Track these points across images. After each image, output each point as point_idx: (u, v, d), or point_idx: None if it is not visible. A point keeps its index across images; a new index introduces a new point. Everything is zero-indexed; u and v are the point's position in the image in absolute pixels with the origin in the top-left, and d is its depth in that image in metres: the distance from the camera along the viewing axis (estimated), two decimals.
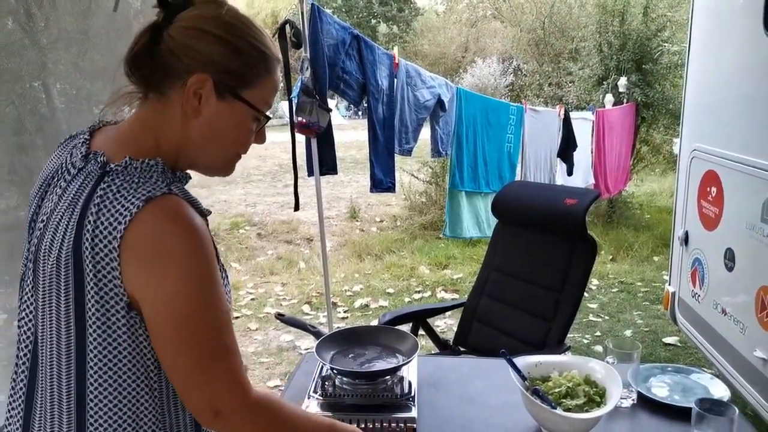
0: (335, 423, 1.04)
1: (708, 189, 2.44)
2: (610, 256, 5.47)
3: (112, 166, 0.86)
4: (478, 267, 3.83)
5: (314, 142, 3.03)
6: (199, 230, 0.84)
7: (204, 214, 0.90)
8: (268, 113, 0.96)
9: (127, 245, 0.81)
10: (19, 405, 0.92)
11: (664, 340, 3.66)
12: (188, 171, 0.98)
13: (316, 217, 3.08)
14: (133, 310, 0.83)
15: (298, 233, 6.65)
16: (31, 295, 0.90)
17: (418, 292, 4.73)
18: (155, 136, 0.91)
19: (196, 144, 0.92)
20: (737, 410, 1.11)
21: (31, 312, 0.90)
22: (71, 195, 0.87)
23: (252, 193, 8.87)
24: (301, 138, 3.02)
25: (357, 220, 7.27)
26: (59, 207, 0.88)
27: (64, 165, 0.92)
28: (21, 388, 0.92)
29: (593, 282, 4.73)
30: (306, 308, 4.42)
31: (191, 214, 0.85)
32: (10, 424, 0.93)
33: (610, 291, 4.62)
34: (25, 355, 0.91)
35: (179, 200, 0.85)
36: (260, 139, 0.99)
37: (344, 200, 7.96)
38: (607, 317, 4.11)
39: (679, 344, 3.59)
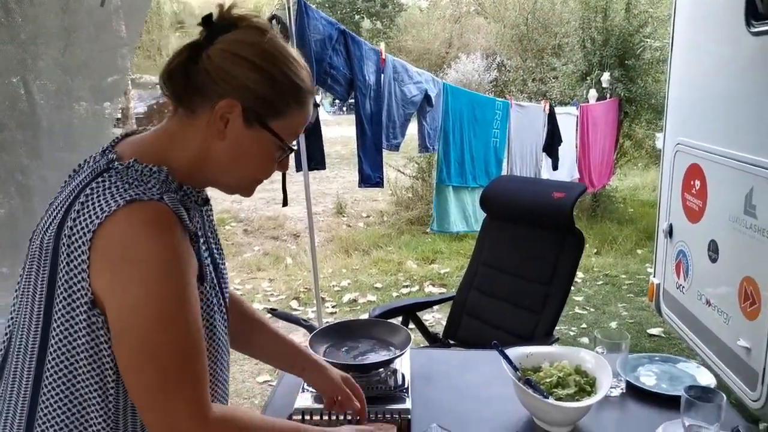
0: (300, 428, 1.01)
1: (692, 182, 2.48)
2: (595, 250, 5.54)
3: (116, 164, 0.87)
4: (465, 261, 3.82)
5: (302, 137, 3.03)
6: (176, 242, 0.82)
7: (190, 231, 0.88)
8: (293, 144, 0.96)
9: (97, 242, 0.80)
10: None
11: (648, 331, 3.72)
12: (206, 189, 0.98)
13: (303, 213, 3.09)
14: (97, 308, 0.82)
15: (284, 229, 6.63)
16: (20, 280, 0.90)
17: (406, 286, 4.75)
18: (174, 148, 0.91)
19: (217, 165, 0.92)
20: (725, 397, 1.14)
21: (18, 297, 0.90)
22: (73, 185, 0.88)
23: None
24: None
25: (343, 216, 7.26)
26: (62, 196, 0.89)
27: (87, 158, 0.93)
28: None
29: (578, 275, 4.79)
30: (294, 304, 4.41)
31: (172, 225, 0.83)
32: None
33: (595, 284, 4.69)
34: (5, 337, 0.91)
35: (165, 209, 0.83)
36: (282, 167, 0.98)
37: (330, 196, 7.95)
38: (592, 309, 4.16)
39: (663, 335, 3.65)
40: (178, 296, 0.82)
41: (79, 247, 0.81)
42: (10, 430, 0.87)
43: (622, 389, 1.52)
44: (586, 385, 1.38)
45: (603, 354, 1.50)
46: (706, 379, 1.52)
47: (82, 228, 0.81)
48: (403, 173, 7.11)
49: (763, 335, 1.88)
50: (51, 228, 0.84)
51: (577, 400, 1.34)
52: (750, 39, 2.10)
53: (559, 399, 1.34)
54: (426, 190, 6.87)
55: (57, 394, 0.84)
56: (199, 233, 0.95)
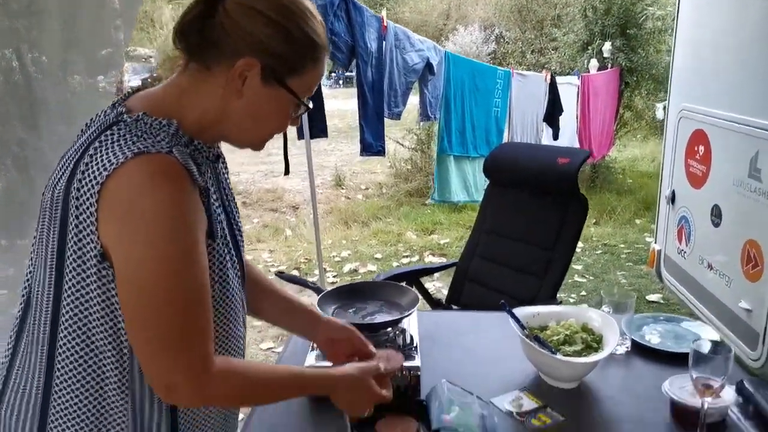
0: (303, 372, 1.01)
1: (696, 148, 2.48)
2: (594, 220, 5.56)
3: (125, 117, 0.86)
4: (464, 232, 3.81)
5: None
6: (184, 196, 0.81)
7: (200, 185, 0.86)
8: (308, 101, 0.95)
9: (105, 195, 0.79)
10: (9, 345, 0.92)
11: (647, 297, 3.77)
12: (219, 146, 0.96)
13: (301, 185, 3.09)
14: (106, 261, 0.81)
15: (283, 201, 6.63)
16: (35, 235, 0.90)
17: (406, 256, 4.77)
18: (185, 103, 0.89)
19: (233, 122, 0.91)
20: (732, 349, 1.15)
21: (33, 253, 0.90)
22: (83, 140, 0.87)
23: (234, 161, 8.72)
24: None
25: (342, 188, 7.25)
26: (72, 150, 0.88)
27: (98, 113, 0.92)
28: (14, 327, 0.92)
29: (578, 244, 4.81)
30: (295, 274, 4.43)
31: (181, 178, 0.82)
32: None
33: (594, 253, 4.72)
34: (24, 291, 0.91)
35: (173, 162, 0.81)
36: (295, 122, 0.98)
37: (329, 168, 7.93)
38: (591, 277, 4.20)
39: (662, 301, 3.70)
40: (184, 252, 0.81)
41: (88, 199, 0.80)
42: (32, 386, 0.87)
43: (627, 347, 1.55)
44: (593, 342, 1.40)
45: (609, 313, 1.52)
46: (711, 335, 1.54)
47: (90, 181, 0.80)
48: (402, 145, 7.07)
49: (764, 296, 1.90)
50: (61, 182, 0.84)
51: (584, 356, 1.36)
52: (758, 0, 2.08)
53: (567, 356, 1.36)
54: (425, 161, 6.85)
55: (73, 347, 0.85)
56: (211, 189, 0.93)
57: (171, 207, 0.80)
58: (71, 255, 0.83)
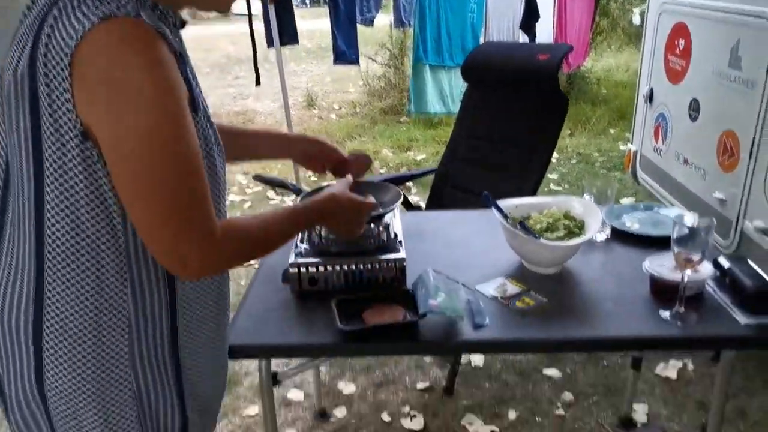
0: (292, 210, 1.02)
1: (676, 42, 2.44)
2: (568, 131, 5.55)
3: None
4: (440, 147, 3.77)
5: (272, 10, 2.84)
6: (162, 59, 0.75)
7: (176, 50, 0.80)
8: None
9: (77, 66, 0.73)
10: None
11: (621, 201, 3.84)
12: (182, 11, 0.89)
13: (271, 106, 3.00)
14: (89, 141, 0.76)
15: (254, 124, 6.45)
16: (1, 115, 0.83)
17: (382, 173, 4.74)
18: None
19: None
20: (714, 220, 1.17)
21: (2, 134, 0.83)
22: (35, 12, 0.79)
23: (201, 84, 8.43)
24: (256, 10, 2.82)
25: (315, 108, 7.08)
26: (24, 26, 0.79)
27: None
28: None
29: (553, 155, 4.84)
30: (271, 194, 4.39)
31: (155, 41, 0.75)
32: None
33: (569, 163, 4.75)
34: None
35: (144, 25, 0.75)
36: None
37: (299, 90, 7.69)
38: (567, 186, 4.25)
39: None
40: (172, 117, 0.76)
41: (59, 73, 0.73)
42: (22, 283, 0.83)
43: (607, 235, 1.57)
44: (575, 228, 1.41)
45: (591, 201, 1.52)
46: (690, 217, 1.57)
47: (58, 52, 0.73)
48: (375, 61, 6.86)
49: (739, 185, 1.94)
50: (22, 59, 0.76)
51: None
52: None
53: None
54: (399, 78, 6.68)
55: (63, 236, 0.80)
56: (184, 57, 0.88)
57: (151, 72, 0.74)
58: (49, 137, 0.76)
